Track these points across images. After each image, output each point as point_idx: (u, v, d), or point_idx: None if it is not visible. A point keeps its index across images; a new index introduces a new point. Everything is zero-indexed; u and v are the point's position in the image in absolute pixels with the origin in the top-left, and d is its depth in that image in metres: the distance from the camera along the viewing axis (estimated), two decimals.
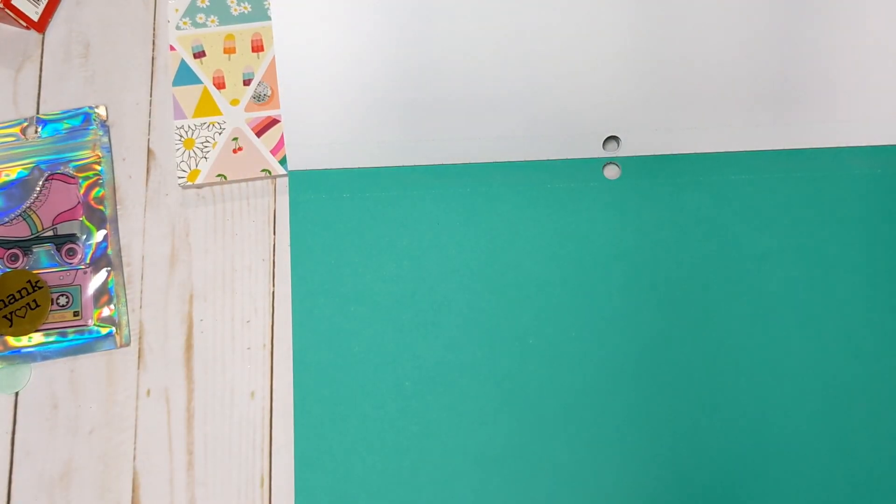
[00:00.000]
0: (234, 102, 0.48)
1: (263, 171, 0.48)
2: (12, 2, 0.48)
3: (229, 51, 0.49)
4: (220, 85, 0.49)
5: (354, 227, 0.47)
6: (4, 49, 0.51)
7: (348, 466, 0.44)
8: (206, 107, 0.48)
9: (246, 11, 0.49)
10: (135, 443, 0.46)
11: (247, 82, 0.49)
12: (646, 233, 0.47)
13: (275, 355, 0.46)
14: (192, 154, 0.48)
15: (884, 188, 0.47)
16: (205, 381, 0.46)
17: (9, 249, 0.47)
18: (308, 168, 0.47)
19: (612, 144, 0.48)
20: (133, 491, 0.45)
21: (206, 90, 0.48)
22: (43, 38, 0.51)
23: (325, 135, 0.47)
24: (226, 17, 0.49)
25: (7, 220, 0.47)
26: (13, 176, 0.48)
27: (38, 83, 0.50)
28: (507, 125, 0.47)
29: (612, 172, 0.48)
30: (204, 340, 0.47)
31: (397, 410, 0.45)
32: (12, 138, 0.48)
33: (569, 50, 0.47)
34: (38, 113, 0.50)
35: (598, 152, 0.47)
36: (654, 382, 0.45)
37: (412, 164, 0.47)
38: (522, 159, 0.47)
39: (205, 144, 0.48)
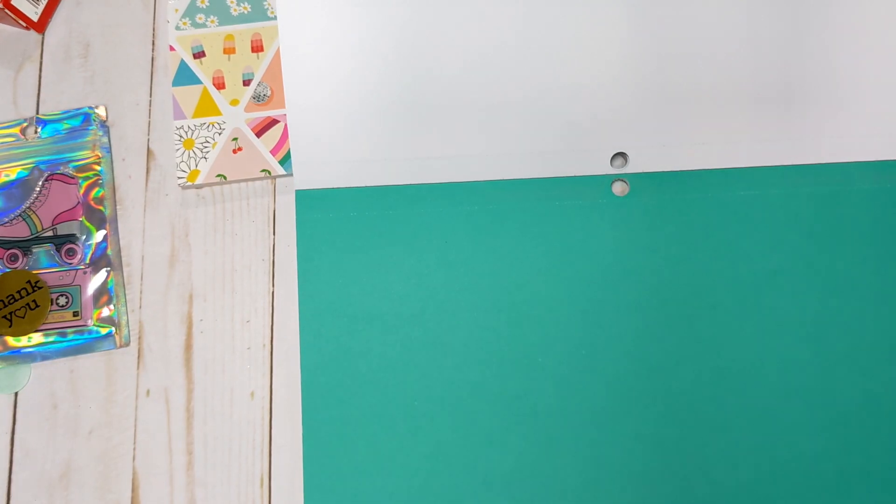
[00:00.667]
0: (234, 103, 0.48)
1: (263, 171, 0.48)
2: (12, 2, 0.48)
3: (229, 51, 0.49)
4: (219, 85, 0.49)
5: (361, 245, 0.46)
6: (4, 49, 0.51)
7: (358, 487, 0.44)
8: (206, 107, 0.48)
9: (246, 12, 0.49)
10: (134, 443, 0.46)
11: (246, 82, 0.49)
12: (654, 250, 0.47)
13: (274, 355, 0.46)
14: (192, 154, 0.48)
15: (892, 203, 0.47)
16: (204, 381, 0.46)
17: (8, 250, 0.47)
18: (315, 187, 0.47)
19: (620, 161, 0.48)
20: (133, 491, 0.45)
21: (205, 90, 0.49)
22: (43, 39, 0.51)
23: (331, 154, 0.47)
24: (225, 18, 0.49)
25: (7, 220, 0.47)
26: (13, 176, 0.48)
27: (37, 83, 0.50)
28: (514, 142, 0.47)
29: (620, 189, 0.48)
30: (203, 340, 0.47)
31: (407, 431, 0.44)
32: (12, 139, 0.48)
33: (576, 67, 0.47)
34: (37, 113, 0.50)
35: (605, 169, 0.47)
36: (664, 400, 0.45)
37: (419, 183, 0.47)
38: (530, 176, 0.47)
39: (204, 145, 0.48)
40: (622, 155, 0.48)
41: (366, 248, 0.46)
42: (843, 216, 0.47)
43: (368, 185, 0.47)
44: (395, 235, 0.47)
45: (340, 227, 0.47)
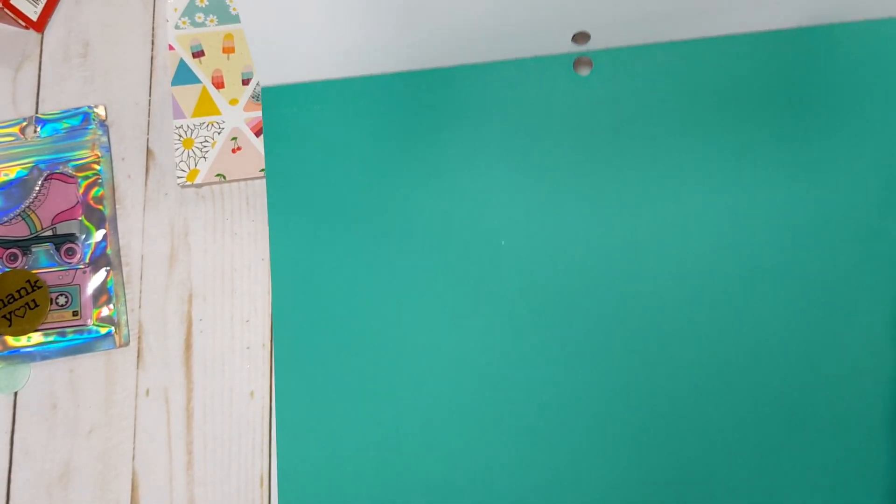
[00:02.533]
0: (233, 102, 0.48)
1: (262, 170, 0.48)
2: (11, 1, 0.48)
3: (228, 50, 0.49)
4: (218, 84, 0.49)
5: (327, 138, 0.46)
6: (3, 49, 0.51)
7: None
8: (205, 106, 0.48)
9: None
10: (134, 443, 0.45)
11: (246, 82, 0.49)
12: (618, 128, 0.46)
13: (274, 355, 0.46)
14: (192, 154, 0.48)
15: (857, 65, 0.46)
16: (204, 380, 0.46)
17: (8, 249, 0.47)
18: (279, 83, 0.47)
19: (582, 39, 0.47)
20: (132, 491, 0.45)
21: (204, 90, 0.48)
22: (42, 38, 0.51)
23: (291, 47, 0.46)
24: (225, 17, 0.49)
25: (6, 219, 0.47)
26: (12, 175, 0.48)
27: (37, 83, 0.50)
28: (473, 25, 0.46)
29: (583, 69, 0.47)
30: (203, 340, 0.47)
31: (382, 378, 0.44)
32: (11, 138, 0.48)
33: None
34: (37, 112, 0.50)
35: (568, 48, 0.46)
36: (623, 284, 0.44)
37: (380, 73, 0.47)
38: (492, 60, 0.46)
39: (204, 144, 0.48)
40: (584, 34, 0.46)
41: (331, 141, 0.46)
42: (808, 83, 0.46)
43: (330, 77, 0.47)
44: (360, 126, 0.46)
45: (306, 121, 0.46)
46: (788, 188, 0.45)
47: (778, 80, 0.46)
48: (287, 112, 0.47)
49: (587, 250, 0.45)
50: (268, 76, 0.47)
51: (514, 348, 0.45)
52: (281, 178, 0.46)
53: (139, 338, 0.47)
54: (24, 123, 0.48)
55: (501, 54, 0.47)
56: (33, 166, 0.48)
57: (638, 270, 0.45)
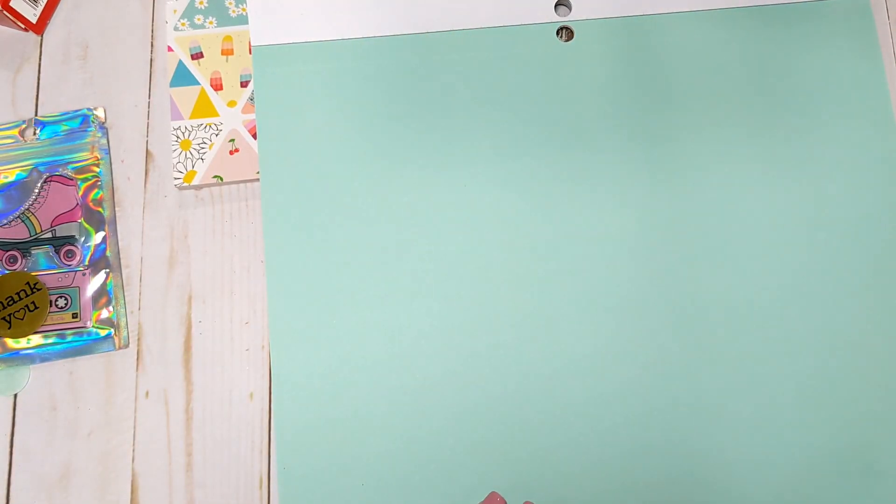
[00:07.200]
0: (232, 104, 0.48)
1: (259, 172, 0.47)
2: (11, 3, 0.48)
3: (227, 52, 0.49)
4: (217, 86, 0.48)
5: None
6: (3, 51, 0.51)
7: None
8: (204, 108, 0.48)
9: (244, 13, 0.49)
10: (133, 444, 0.46)
11: (244, 84, 0.49)
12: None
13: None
14: (189, 155, 0.48)
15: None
16: (203, 382, 0.46)
17: (7, 251, 0.47)
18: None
19: (564, 10, 0.49)
20: (132, 492, 0.45)
21: (203, 91, 0.48)
22: (41, 40, 0.51)
23: (286, 8, 0.48)
24: (224, 19, 0.49)
25: (6, 222, 0.47)
26: (12, 178, 0.48)
27: (36, 85, 0.50)
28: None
29: (565, 36, 0.49)
30: (203, 342, 0.47)
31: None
32: (11, 140, 0.48)
33: None
34: (36, 115, 0.50)
35: (550, 17, 0.49)
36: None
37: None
38: (477, 27, 0.49)
39: (201, 145, 0.48)
40: (565, 4, 0.49)
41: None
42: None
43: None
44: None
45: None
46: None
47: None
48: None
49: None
50: (261, 35, 0.48)
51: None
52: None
53: (139, 340, 0.47)
54: (24, 126, 0.48)
55: (486, 23, 0.49)
56: (33, 168, 0.48)
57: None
